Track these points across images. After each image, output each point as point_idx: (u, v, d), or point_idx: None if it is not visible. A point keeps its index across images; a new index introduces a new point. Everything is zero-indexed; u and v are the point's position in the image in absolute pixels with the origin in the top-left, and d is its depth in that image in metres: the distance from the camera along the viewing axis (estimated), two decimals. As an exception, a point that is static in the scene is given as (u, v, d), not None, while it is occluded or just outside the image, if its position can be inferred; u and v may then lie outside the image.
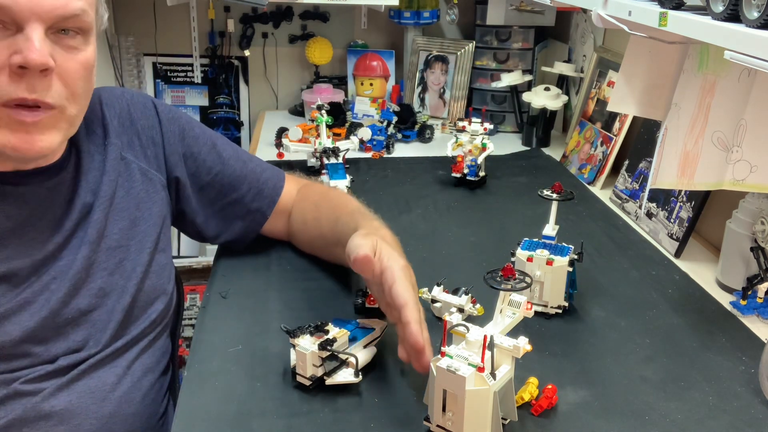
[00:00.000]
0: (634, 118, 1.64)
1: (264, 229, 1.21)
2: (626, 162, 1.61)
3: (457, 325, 0.79)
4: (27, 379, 0.89)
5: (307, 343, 0.88)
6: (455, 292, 1.05)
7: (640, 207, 1.48)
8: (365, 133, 1.86)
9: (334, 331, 0.90)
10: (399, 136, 2.00)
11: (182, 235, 1.25)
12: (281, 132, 1.85)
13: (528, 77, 2.12)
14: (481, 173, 1.64)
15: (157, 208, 1.05)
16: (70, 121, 0.88)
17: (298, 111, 2.31)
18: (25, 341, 0.89)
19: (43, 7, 0.78)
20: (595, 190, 1.68)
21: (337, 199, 1.20)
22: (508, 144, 2.02)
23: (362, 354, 0.91)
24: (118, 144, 1.00)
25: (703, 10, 0.85)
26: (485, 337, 0.75)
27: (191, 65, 2.37)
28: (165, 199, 1.07)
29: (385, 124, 1.94)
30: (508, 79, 2.08)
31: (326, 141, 1.59)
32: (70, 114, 0.87)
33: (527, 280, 0.79)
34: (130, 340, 0.98)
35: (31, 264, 0.89)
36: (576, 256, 1.06)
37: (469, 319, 0.99)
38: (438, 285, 1.06)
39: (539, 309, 1.06)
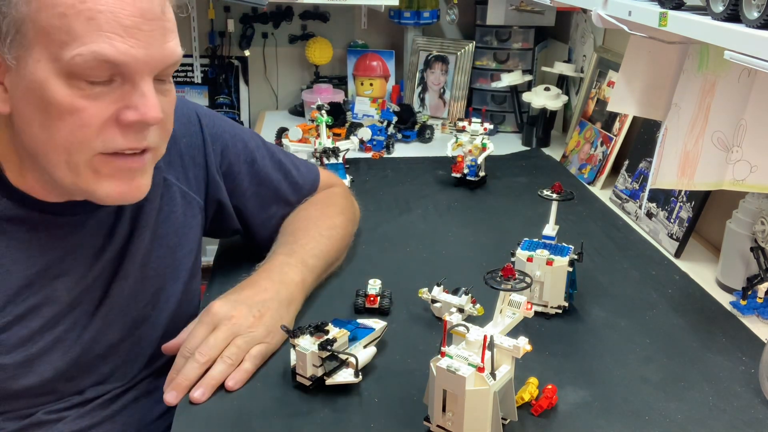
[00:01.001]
0: (634, 118, 1.64)
1: None
2: (626, 162, 1.61)
3: (457, 325, 0.79)
4: (51, 410, 0.88)
5: (307, 343, 0.88)
6: (455, 292, 1.05)
7: (640, 207, 1.48)
8: (365, 133, 1.86)
9: (334, 331, 0.90)
10: (399, 136, 2.00)
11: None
12: (281, 132, 1.85)
13: (528, 77, 2.12)
14: (481, 173, 1.64)
15: (194, 234, 1.02)
16: (157, 158, 0.86)
17: (298, 111, 2.31)
18: (55, 380, 0.87)
19: (155, 58, 0.76)
20: (595, 190, 1.68)
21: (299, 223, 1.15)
22: (508, 144, 2.02)
23: (362, 354, 0.91)
24: (161, 167, 0.95)
25: (703, 10, 0.86)
26: (485, 337, 0.75)
27: (191, 65, 2.37)
28: (201, 222, 1.04)
29: (385, 124, 1.94)
30: (508, 79, 2.08)
31: (326, 141, 1.59)
32: (160, 153, 0.86)
33: (527, 280, 0.79)
34: (154, 371, 0.98)
35: (68, 297, 0.87)
36: (576, 256, 1.06)
37: (469, 319, 0.99)
38: (438, 285, 1.06)
39: (539, 309, 1.06)
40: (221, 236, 1.18)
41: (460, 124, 1.65)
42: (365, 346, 0.94)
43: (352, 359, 0.88)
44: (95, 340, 0.89)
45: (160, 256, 0.96)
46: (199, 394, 0.85)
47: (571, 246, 1.08)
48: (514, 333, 0.81)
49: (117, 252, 0.91)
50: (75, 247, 0.87)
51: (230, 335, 0.89)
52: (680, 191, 1.36)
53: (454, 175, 1.64)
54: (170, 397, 0.85)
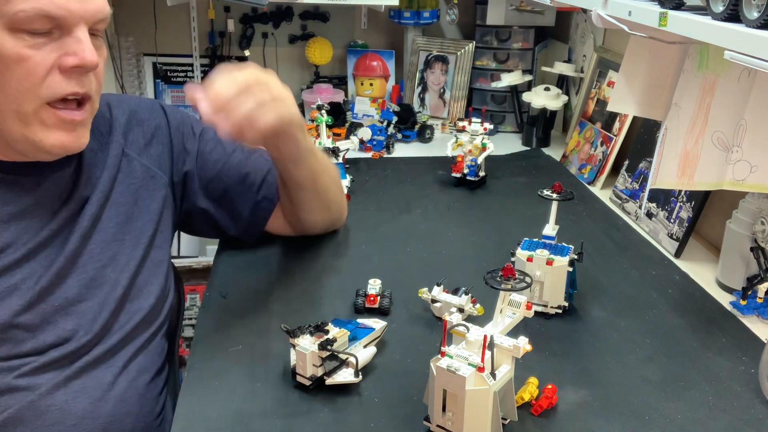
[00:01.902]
0: (634, 118, 1.64)
1: (273, 223, 1.22)
2: (626, 162, 1.61)
3: (457, 325, 0.79)
4: (21, 372, 0.90)
5: (307, 343, 0.88)
6: (455, 292, 1.05)
7: (640, 207, 1.48)
8: (365, 133, 1.86)
9: (334, 331, 0.90)
10: (399, 136, 2.00)
11: (182, 235, 1.25)
12: (281, 132, 1.85)
13: (528, 77, 2.12)
14: (481, 173, 1.64)
15: (156, 205, 1.06)
16: (93, 114, 0.94)
17: (298, 111, 2.31)
18: (13, 326, 0.90)
19: (89, 11, 0.86)
20: (595, 190, 1.68)
21: None
22: (508, 144, 2.02)
23: (362, 354, 0.91)
24: (121, 141, 1.03)
25: (703, 10, 0.86)
26: (485, 337, 0.75)
27: (191, 65, 2.37)
28: (166, 197, 1.08)
29: (385, 124, 1.94)
30: (508, 79, 2.08)
31: (326, 141, 1.58)
32: (94, 108, 0.94)
33: (527, 280, 0.79)
34: (123, 336, 0.98)
35: (25, 249, 0.92)
36: (576, 256, 1.06)
37: (469, 319, 0.99)
38: (438, 285, 1.06)
39: (539, 309, 1.07)
40: (202, 229, 1.20)
41: (460, 124, 1.65)
42: (365, 346, 0.94)
43: (352, 359, 0.88)
44: (51, 292, 0.93)
45: (118, 222, 1.01)
46: (206, 106, 0.90)
47: (571, 246, 1.08)
48: (514, 333, 0.81)
49: (71, 213, 0.96)
50: (32, 205, 0.93)
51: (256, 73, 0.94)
52: (680, 191, 1.36)
53: (454, 175, 1.64)
54: (199, 95, 0.90)
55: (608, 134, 1.72)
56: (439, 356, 0.77)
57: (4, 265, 0.90)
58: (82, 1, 0.85)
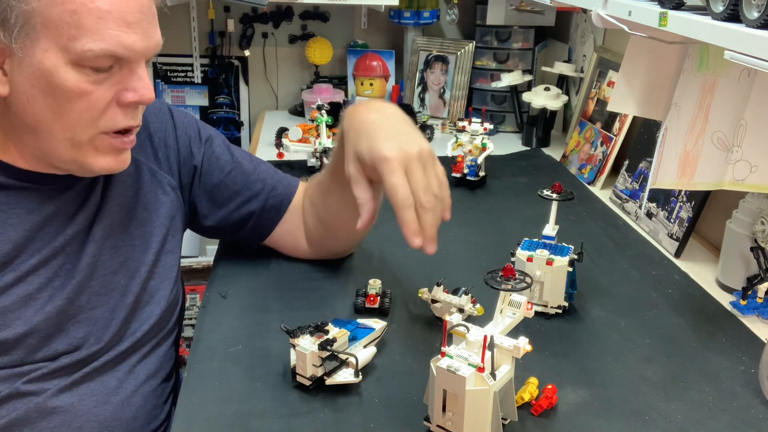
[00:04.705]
0: (634, 118, 1.64)
1: (279, 234, 1.18)
2: (626, 162, 1.61)
3: (457, 325, 0.79)
4: (30, 378, 0.90)
5: (307, 343, 0.88)
6: (455, 292, 1.05)
7: (640, 207, 1.48)
8: (365, 133, 1.85)
9: (334, 331, 0.90)
10: (399, 136, 1.99)
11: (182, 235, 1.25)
12: (281, 132, 1.85)
13: (528, 77, 2.12)
14: (481, 173, 1.64)
15: (165, 210, 1.05)
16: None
17: (298, 111, 2.31)
18: (28, 336, 0.89)
19: (150, 48, 0.87)
20: (595, 190, 1.68)
21: None
22: (508, 144, 2.02)
23: (362, 354, 0.91)
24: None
25: (703, 10, 0.86)
26: (485, 337, 0.75)
27: (191, 65, 2.37)
28: (175, 201, 1.07)
29: (385, 124, 1.93)
30: (508, 79, 2.08)
31: (326, 141, 1.59)
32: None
33: (527, 280, 0.79)
34: (133, 343, 0.98)
35: (40, 256, 0.91)
36: (576, 256, 1.06)
37: (469, 319, 0.99)
38: (438, 285, 1.06)
39: (539, 309, 1.06)
40: (204, 231, 1.18)
41: (460, 124, 1.65)
42: (365, 346, 0.94)
43: (352, 359, 0.88)
44: (64, 300, 0.92)
45: (128, 227, 1.00)
46: (433, 248, 0.91)
47: (571, 246, 1.08)
48: (514, 333, 0.81)
49: (88, 220, 0.96)
50: (52, 213, 0.93)
51: (421, 166, 0.93)
52: (680, 191, 1.36)
53: (454, 175, 1.63)
54: (432, 247, 0.91)
55: (608, 134, 1.72)
56: (439, 356, 0.77)
57: (21, 272, 0.90)
58: (146, 40, 0.86)
